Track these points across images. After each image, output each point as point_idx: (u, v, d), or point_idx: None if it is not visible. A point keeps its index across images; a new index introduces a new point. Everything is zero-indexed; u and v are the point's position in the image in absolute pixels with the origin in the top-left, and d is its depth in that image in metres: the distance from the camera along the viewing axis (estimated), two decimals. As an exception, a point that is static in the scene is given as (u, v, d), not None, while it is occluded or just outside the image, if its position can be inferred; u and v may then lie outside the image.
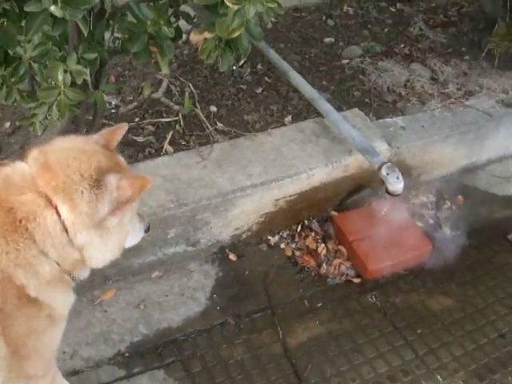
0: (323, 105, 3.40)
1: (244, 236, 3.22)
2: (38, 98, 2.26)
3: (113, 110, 3.45)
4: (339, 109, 3.51)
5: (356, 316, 2.99)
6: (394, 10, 4.90)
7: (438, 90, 3.94)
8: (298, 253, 3.23)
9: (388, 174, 2.96)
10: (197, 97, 3.59)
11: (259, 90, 3.76)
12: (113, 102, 3.50)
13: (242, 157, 3.15)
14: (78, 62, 2.28)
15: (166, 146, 3.23)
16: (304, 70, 3.98)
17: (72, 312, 2.78)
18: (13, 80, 2.38)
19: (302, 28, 4.50)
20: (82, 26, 1.95)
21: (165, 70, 2.54)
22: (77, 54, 2.31)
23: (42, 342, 1.89)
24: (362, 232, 3.22)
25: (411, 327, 2.96)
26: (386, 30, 4.62)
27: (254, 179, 3.03)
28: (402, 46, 4.43)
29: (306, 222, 3.35)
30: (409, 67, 4.15)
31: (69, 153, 1.74)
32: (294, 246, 3.26)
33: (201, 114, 3.46)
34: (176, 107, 3.46)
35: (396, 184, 2.95)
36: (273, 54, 3.80)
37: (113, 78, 3.61)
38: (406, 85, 3.97)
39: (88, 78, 2.43)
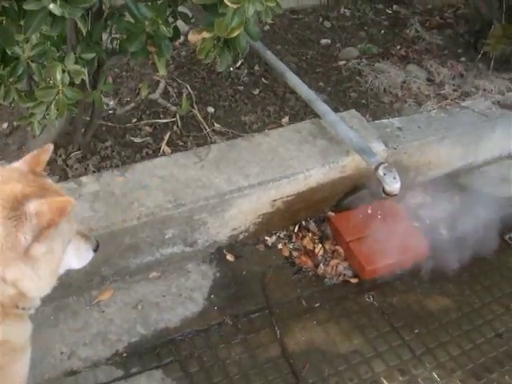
0: (320, 106, 3.41)
1: (241, 236, 3.22)
2: (37, 98, 2.27)
3: (110, 111, 3.46)
4: (336, 110, 3.51)
5: (353, 316, 2.99)
6: (390, 11, 4.93)
7: (435, 92, 3.96)
8: (295, 253, 3.23)
9: (385, 175, 2.97)
10: (194, 98, 3.59)
11: (256, 91, 3.77)
12: (110, 103, 3.50)
13: (239, 157, 3.15)
14: (76, 62, 2.29)
15: (164, 147, 3.24)
16: (301, 71, 4.00)
17: (69, 312, 2.82)
18: (11, 80, 2.39)
19: (298, 30, 4.52)
20: (81, 25, 1.95)
21: (162, 71, 2.55)
22: (75, 53, 2.32)
23: (7, 376, 1.82)
24: (360, 232, 3.23)
25: (409, 327, 2.96)
26: (382, 31, 4.64)
27: (252, 180, 3.03)
28: (399, 47, 4.45)
29: (303, 222, 3.36)
30: (405, 68, 4.17)
31: None
32: (291, 246, 3.27)
33: (198, 115, 3.46)
34: (173, 108, 3.46)
35: (393, 184, 2.96)
36: (270, 56, 3.81)
37: (110, 79, 3.62)
38: (402, 86, 3.99)
39: (86, 78, 2.44)
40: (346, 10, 4.85)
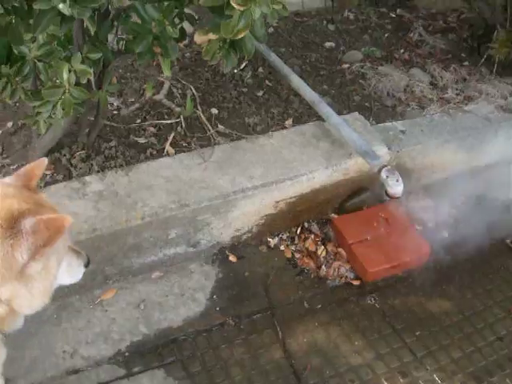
0: (324, 108, 3.42)
1: (244, 237, 3.24)
2: (43, 97, 2.28)
3: (114, 112, 3.47)
4: (339, 113, 3.52)
5: (355, 318, 3.00)
6: (394, 15, 4.94)
7: (438, 95, 3.96)
8: (297, 255, 3.24)
9: (388, 177, 2.99)
10: (198, 99, 3.60)
11: (260, 93, 3.78)
12: (115, 104, 3.51)
13: (242, 159, 3.16)
14: (83, 62, 2.30)
15: (168, 148, 3.25)
16: (305, 74, 4.01)
17: (72, 311, 2.83)
18: (17, 78, 2.40)
19: (302, 32, 4.53)
20: (89, 25, 1.97)
21: (167, 72, 2.56)
22: (81, 53, 2.33)
23: None
24: (362, 235, 3.24)
25: (410, 329, 2.97)
26: (386, 35, 4.65)
27: (255, 181, 3.04)
28: (402, 51, 4.46)
29: (305, 224, 3.37)
30: (408, 72, 4.18)
31: None
32: (293, 247, 3.28)
33: (202, 116, 3.47)
34: (177, 109, 3.48)
35: (396, 187, 2.98)
36: (274, 58, 3.82)
37: (115, 80, 3.63)
38: (405, 89, 3.99)
39: (92, 78, 2.46)
40: (350, 14, 4.85)
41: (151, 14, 2.20)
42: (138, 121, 3.43)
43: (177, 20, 2.39)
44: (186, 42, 4.00)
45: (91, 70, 2.33)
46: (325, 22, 4.71)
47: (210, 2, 2.15)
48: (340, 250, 3.27)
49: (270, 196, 3.10)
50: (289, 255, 3.24)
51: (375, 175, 3.05)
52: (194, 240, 3.06)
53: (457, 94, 3.99)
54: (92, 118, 3.10)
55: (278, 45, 4.29)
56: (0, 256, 1.56)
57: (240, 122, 3.51)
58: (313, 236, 3.32)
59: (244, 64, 3.96)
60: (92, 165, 3.06)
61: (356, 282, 3.16)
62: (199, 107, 3.54)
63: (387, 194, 3.02)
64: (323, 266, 3.19)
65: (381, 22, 4.80)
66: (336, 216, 3.41)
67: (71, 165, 3.06)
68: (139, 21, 2.30)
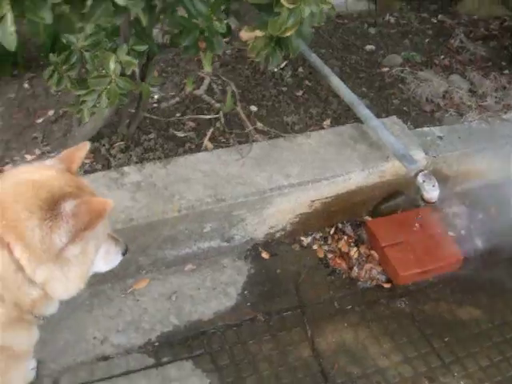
0: (363, 110, 3.41)
1: (278, 235, 3.25)
2: (89, 86, 2.32)
3: (155, 105, 3.51)
4: (378, 116, 3.51)
5: (384, 320, 3.01)
6: (435, 21, 4.92)
7: (476, 103, 3.95)
8: (330, 255, 3.25)
9: (424, 182, 2.98)
10: (238, 96, 3.62)
11: (300, 93, 3.79)
12: (155, 97, 3.55)
13: (280, 157, 3.17)
14: (128, 54, 2.33)
15: (206, 143, 3.28)
16: (344, 75, 4.01)
17: (104, 299, 2.87)
18: (64, 67, 2.44)
19: (343, 34, 4.54)
20: (141, 17, 2.00)
21: (207, 68, 2.58)
22: (127, 45, 2.36)
23: (8, 381, 1.81)
24: (395, 238, 3.24)
25: (439, 335, 2.96)
26: (426, 40, 4.64)
27: (292, 179, 3.05)
28: (442, 57, 4.45)
29: (339, 225, 3.37)
30: (448, 78, 4.16)
31: (18, 187, 1.64)
32: (326, 248, 3.29)
33: (241, 112, 3.49)
34: (217, 105, 3.50)
35: (432, 192, 2.97)
36: (314, 58, 3.82)
37: (156, 74, 3.67)
38: (444, 95, 3.98)
39: (137, 69, 2.49)
40: (391, 18, 4.85)
41: (199, 8, 2.22)
42: (178, 115, 3.46)
43: (223, 15, 2.41)
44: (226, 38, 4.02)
45: (136, 62, 2.37)
46: (366, 25, 4.71)
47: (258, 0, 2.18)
48: (372, 252, 3.27)
49: (305, 195, 3.10)
50: (321, 255, 3.25)
51: (411, 179, 3.04)
52: (229, 235, 3.08)
53: (496, 102, 3.97)
54: (133, 110, 3.14)
55: (318, 46, 4.30)
56: (38, 238, 1.56)
57: (278, 121, 3.53)
58: (346, 237, 3.32)
59: (284, 63, 3.97)
60: (131, 156, 3.10)
61: (387, 285, 3.17)
62: (239, 104, 3.55)
63: (423, 199, 3.01)
64: (355, 268, 3.19)
65: (422, 27, 4.79)
66: (370, 218, 3.42)
67: (110, 155, 3.10)
68: (185, 15, 2.32)
